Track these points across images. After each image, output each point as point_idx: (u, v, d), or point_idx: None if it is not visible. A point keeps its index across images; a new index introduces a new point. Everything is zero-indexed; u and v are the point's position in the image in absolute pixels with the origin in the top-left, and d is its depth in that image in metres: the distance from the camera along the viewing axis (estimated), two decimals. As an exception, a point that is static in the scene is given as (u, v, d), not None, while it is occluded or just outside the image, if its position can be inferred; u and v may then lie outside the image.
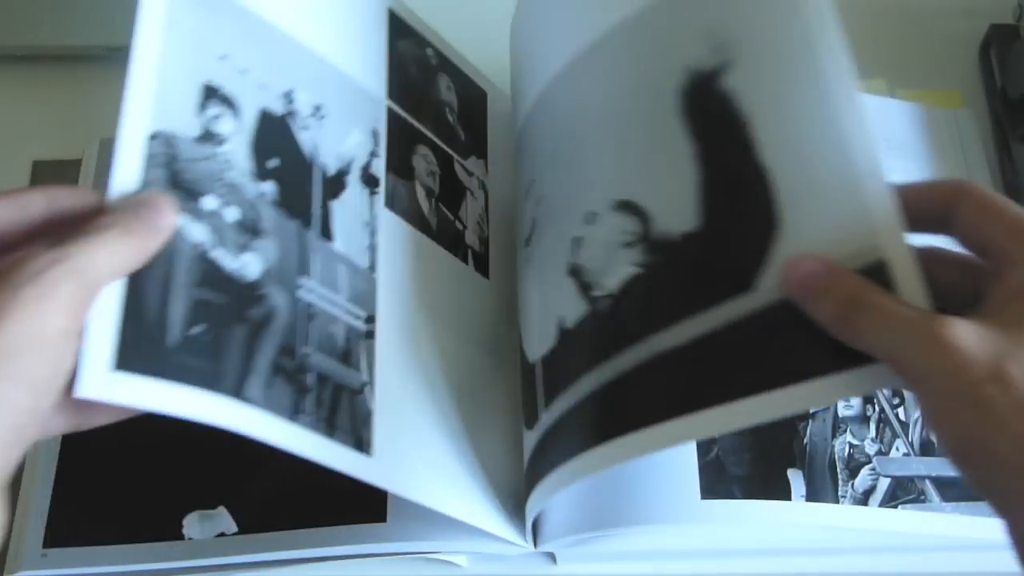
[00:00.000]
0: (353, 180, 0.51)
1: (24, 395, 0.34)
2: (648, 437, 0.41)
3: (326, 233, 0.48)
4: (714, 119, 0.43)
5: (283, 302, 0.45)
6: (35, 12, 0.71)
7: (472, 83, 0.64)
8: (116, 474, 0.55)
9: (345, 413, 0.46)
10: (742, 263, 0.40)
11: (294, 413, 0.43)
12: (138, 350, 0.38)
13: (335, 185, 0.50)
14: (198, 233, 0.42)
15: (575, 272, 0.47)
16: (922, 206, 0.39)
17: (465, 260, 0.57)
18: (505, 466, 0.53)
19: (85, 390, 0.35)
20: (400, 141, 0.55)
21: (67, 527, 0.54)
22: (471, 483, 0.51)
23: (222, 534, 0.53)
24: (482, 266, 0.58)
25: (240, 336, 0.42)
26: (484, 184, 0.60)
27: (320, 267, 0.47)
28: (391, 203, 0.53)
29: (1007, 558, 0.37)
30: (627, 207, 0.45)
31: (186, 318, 0.40)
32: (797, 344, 0.38)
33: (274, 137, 0.48)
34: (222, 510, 0.54)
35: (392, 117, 0.55)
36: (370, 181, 0.52)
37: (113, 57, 0.70)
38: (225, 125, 0.46)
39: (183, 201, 0.41)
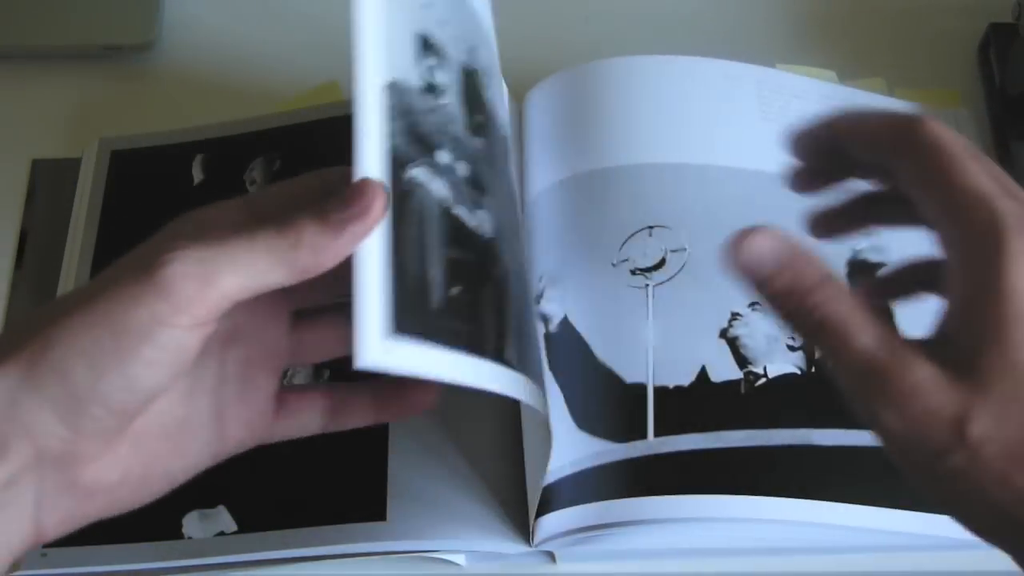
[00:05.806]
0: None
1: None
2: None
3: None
4: None
5: (511, 263, 0.44)
6: (35, 12, 0.71)
7: None
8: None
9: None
10: None
11: (539, 371, 0.45)
12: (409, 315, 0.36)
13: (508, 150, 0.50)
14: (440, 188, 0.40)
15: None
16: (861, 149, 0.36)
17: None
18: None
19: (363, 360, 0.33)
20: None
21: None
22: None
23: (221, 533, 0.53)
24: None
25: (490, 296, 0.42)
26: None
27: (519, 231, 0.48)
28: None
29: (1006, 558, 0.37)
30: None
31: (445, 278, 0.38)
32: None
33: (472, 93, 0.46)
34: (221, 509, 0.54)
35: None
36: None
37: (113, 57, 0.70)
38: (441, 76, 0.44)
39: (422, 155, 0.40)
